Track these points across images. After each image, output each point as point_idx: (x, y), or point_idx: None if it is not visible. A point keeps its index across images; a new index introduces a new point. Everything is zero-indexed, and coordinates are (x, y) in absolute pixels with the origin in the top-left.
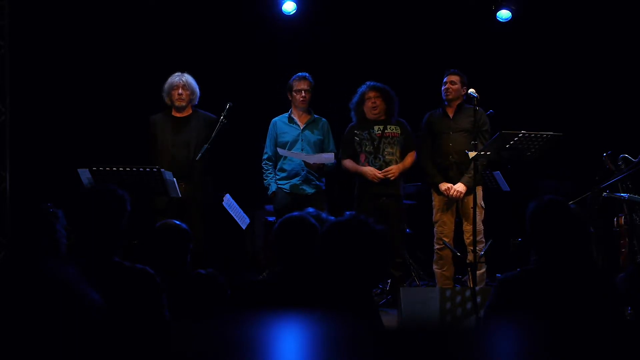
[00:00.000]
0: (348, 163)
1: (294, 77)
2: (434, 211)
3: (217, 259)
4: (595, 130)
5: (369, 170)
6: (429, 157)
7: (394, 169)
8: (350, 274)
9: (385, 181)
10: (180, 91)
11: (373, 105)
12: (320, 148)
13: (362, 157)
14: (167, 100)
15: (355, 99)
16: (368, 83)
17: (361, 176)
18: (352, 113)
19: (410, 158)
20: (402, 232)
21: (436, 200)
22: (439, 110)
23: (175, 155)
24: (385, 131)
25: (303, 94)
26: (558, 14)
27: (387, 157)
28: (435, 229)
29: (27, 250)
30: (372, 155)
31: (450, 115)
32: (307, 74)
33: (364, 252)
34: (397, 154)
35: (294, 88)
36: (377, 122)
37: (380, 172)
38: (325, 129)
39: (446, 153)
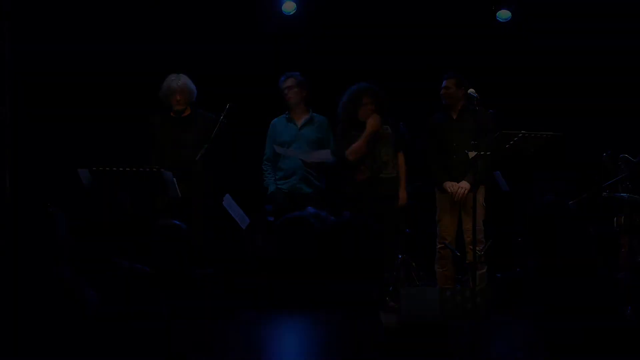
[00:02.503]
0: (354, 146)
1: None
2: (437, 210)
3: (217, 259)
4: (595, 130)
5: (375, 118)
6: (434, 158)
7: (403, 199)
8: (350, 274)
9: (377, 184)
10: (178, 97)
11: (371, 113)
12: (319, 147)
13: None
14: (164, 102)
15: (348, 98)
16: (363, 85)
17: (351, 181)
18: (341, 110)
19: (403, 166)
20: (400, 231)
21: (439, 199)
22: (443, 111)
23: (175, 155)
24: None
25: (288, 92)
26: (558, 14)
27: (384, 158)
28: (437, 228)
29: (27, 250)
30: (370, 158)
31: (454, 116)
32: (291, 73)
33: (363, 251)
34: (391, 153)
35: (282, 88)
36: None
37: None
38: (325, 127)
39: (451, 152)
